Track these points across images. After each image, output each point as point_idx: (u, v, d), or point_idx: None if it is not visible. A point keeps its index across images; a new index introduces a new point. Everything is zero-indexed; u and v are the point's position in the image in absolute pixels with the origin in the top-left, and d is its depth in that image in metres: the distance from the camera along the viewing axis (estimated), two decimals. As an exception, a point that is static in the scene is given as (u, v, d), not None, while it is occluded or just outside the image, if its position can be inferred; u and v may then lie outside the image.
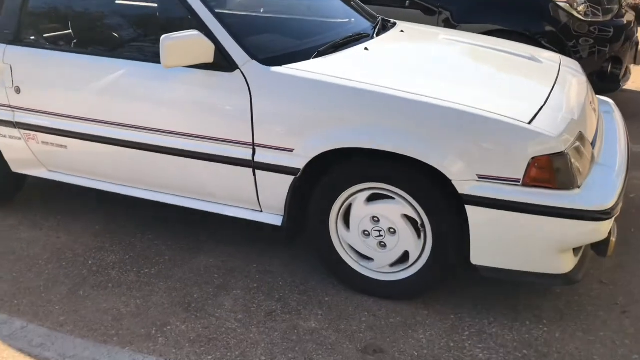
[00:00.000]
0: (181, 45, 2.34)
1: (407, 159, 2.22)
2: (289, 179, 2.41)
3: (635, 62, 4.80)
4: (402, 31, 3.15)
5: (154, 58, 2.56)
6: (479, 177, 2.13)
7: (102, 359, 2.16)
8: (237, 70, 2.42)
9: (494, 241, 2.18)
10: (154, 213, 3.17)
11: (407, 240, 2.33)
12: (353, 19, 3.14)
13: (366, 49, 2.72)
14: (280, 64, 2.43)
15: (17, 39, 2.89)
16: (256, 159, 2.45)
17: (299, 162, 2.36)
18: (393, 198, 2.31)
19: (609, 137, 2.69)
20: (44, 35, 2.94)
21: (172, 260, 2.79)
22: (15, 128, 2.96)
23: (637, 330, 2.27)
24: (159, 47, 2.41)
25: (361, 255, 2.46)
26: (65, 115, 2.80)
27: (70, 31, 2.95)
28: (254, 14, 3.01)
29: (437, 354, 2.16)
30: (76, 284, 2.63)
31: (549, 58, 3.11)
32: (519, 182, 2.10)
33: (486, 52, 2.99)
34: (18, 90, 2.88)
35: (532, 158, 2.08)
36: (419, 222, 2.30)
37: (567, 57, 3.31)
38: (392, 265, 2.41)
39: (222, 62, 2.44)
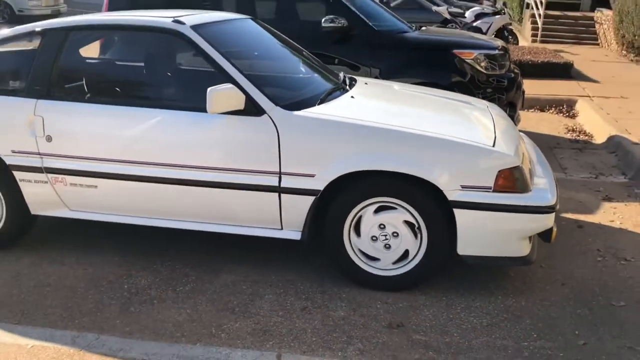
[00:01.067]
0: (222, 95, 2.91)
1: (406, 178, 2.92)
2: (310, 199, 3.02)
3: (522, 107, 5.93)
4: (366, 83, 3.91)
5: (189, 107, 3.09)
6: (462, 187, 2.88)
7: (182, 353, 2.60)
8: (265, 115, 3.02)
9: (474, 234, 2.93)
10: (163, 242, 3.60)
11: (407, 241, 3.02)
12: (325, 76, 3.84)
13: (352, 97, 3.44)
14: (296, 109, 3.07)
15: (48, 94, 3.27)
16: (282, 185, 3.03)
17: (320, 184, 2.98)
18: (396, 208, 2.99)
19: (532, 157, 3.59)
20: (76, 89, 3.35)
21: (199, 279, 3.25)
22: (43, 173, 3.30)
23: (575, 295, 3.09)
24: (193, 99, 2.97)
25: (369, 257, 3.10)
26: (98, 158, 3.21)
27: (101, 85, 3.38)
28: (261, 73, 3.61)
29: (443, 323, 2.83)
30: (124, 303, 3.01)
31: (477, 102, 4.01)
32: (490, 189, 2.87)
33: (435, 98, 3.82)
34: (49, 139, 3.24)
35: (499, 171, 2.87)
36: (416, 225, 2.99)
37: (486, 101, 4.24)
38: (395, 262, 3.08)
39: (251, 109, 3.03)
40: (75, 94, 3.35)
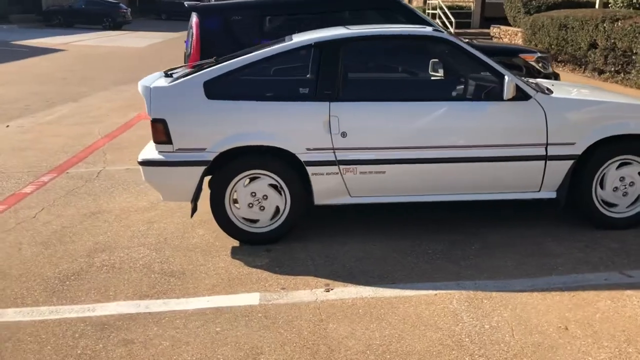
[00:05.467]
0: (511, 86, 3.66)
1: (640, 138, 3.88)
2: (569, 163, 3.85)
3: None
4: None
5: (465, 98, 3.81)
6: None
7: (534, 283, 3.30)
8: (532, 99, 3.81)
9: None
10: (411, 220, 4.21)
11: (640, 188, 3.98)
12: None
13: (552, 85, 4.33)
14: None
15: (337, 97, 3.76)
16: (548, 153, 3.83)
17: (579, 150, 3.83)
18: (631, 163, 3.92)
19: None
20: (362, 90, 3.87)
21: (470, 241, 3.91)
22: (336, 165, 3.77)
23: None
24: (466, 91, 3.71)
25: (609, 204, 3.99)
26: (389, 147, 3.76)
27: (383, 84, 3.93)
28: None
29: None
30: (448, 260, 3.63)
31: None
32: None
33: (588, 86, 4.84)
34: (344, 135, 3.73)
35: None
36: (645, 174, 3.96)
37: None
38: (628, 206, 4.00)
39: (520, 95, 3.79)
40: (363, 94, 3.88)
